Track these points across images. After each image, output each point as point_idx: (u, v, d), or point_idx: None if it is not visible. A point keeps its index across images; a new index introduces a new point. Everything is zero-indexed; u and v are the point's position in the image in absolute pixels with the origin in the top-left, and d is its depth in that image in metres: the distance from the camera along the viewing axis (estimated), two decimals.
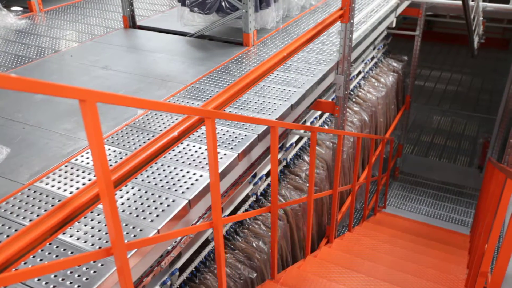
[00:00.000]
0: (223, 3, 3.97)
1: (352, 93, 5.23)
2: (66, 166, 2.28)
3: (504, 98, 7.08)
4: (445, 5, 6.04)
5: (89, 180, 2.18)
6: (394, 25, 5.24)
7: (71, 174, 2.22)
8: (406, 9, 5.75)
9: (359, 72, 5.41)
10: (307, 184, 3.76)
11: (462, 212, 6.95)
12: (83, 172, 2.24)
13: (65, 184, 2.15)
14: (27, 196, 2.07)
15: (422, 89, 10.50)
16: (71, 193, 2.09)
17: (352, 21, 3.22)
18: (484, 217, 3.12)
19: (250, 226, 3.10)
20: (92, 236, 1.83)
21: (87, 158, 2.34)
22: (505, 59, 10.01)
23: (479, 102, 10.02)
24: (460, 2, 4.64)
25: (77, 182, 2.17)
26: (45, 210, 1.98)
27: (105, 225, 1.87)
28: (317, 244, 4.02)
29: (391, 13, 4.96)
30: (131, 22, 4.37)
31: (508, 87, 6.76)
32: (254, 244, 3.00)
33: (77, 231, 1.85)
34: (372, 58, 5.90)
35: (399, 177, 7.80)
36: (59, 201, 2.04)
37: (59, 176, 2.21)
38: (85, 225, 1.88)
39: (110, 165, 2.21)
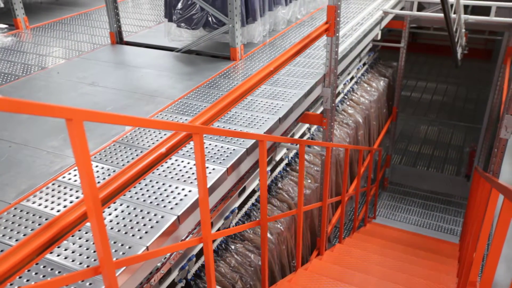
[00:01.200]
0: (209, 18, 4.01)
1: (346, 97, 5.42)
2: (53, 184, 2.26)
3: (488, 108, 7.20)
4: (428, 17, 6.16)
5: (77, 198, 2.17)
6: (379, 37, 5.33)
7: (59, 192, 2.21)
8: (391, 22, 5.84)
9: (352, 77, 5.62)
10: (308, 180, 3.91)
11: (451, 221, 7.00)
12: (70, 190, 2.22)
13: (52, 202, 2.13)
14: (14, 216, 2.04)
15: (409, 100, 10.64)
16: (58, 211, 2.07)
17: (337, 34, 3.27)
18: (471, 226, 3.15)
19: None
20: (80, 255, 1.81)
21: (75, 175, 2.33)
22: (488, 69, 10.20)
23: (464, 112, 10.17)
24: (443, 15, 4.73)
25: (65, 200, 2.15)
26: (32, 230, 1.96)
27: (93, 243, 1.85)
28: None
29: (376, 25, 5.04)
30: (118, 38, 4.38)
31: (492, 96, 6.89)
32: None
33: (65, 250, 1.83)
34: (364, 65, 6.07)
35: (388, 187, 7.85)
36: (46, 220, 2.02)
37: (46, 194, 2.19)
38: (73, 244, 1.86)
39: (98, 182, 2.20)
